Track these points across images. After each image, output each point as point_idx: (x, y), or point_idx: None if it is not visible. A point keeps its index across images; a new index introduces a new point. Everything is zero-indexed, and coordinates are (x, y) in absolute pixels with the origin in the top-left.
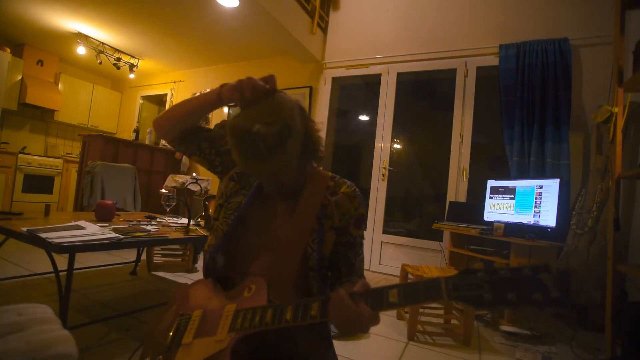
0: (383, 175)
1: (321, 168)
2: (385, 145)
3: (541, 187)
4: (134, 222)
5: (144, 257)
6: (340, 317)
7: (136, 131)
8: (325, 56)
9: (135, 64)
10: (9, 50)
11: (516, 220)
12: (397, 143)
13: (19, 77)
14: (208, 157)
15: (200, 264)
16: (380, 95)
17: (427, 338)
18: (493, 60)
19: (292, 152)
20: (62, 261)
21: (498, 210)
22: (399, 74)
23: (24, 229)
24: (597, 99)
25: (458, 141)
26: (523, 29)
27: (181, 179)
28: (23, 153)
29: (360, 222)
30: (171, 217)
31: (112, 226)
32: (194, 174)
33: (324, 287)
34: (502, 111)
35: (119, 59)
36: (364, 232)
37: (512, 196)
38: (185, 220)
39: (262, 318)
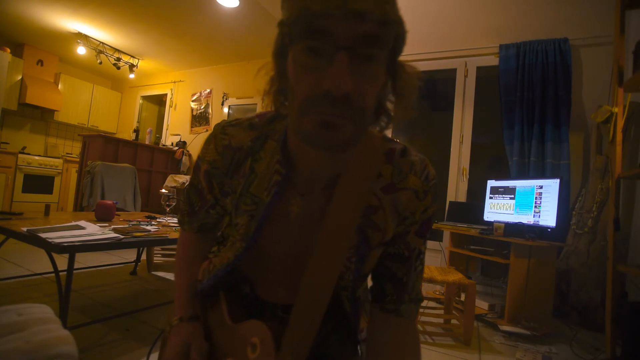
0: None
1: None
2: None
3: (541, 187)
4: (134, 222)
5: (144, 257)
6: None
7: (136, 131)
8: None
9: (135, 64)
10: (9, 50)
11: (516, 220)
12: None
13: (19, 77)
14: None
15: None
16: None
17: (427, 338)
18: (493, 60)
19: (381, 74)
20: (62, 261)
21: (498, 210)
22: None
23: (24, 229)
24: (597, 99)
25: (458, 141)
26: (523, 29)
27: (181, 179)
28: (23, 153)
29: (426, 228)
30: (171, 217)
31: (112, 226)
32: None
33: (359, 308)
34: (502, 111)
35: (119, 59)
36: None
37: (512, 196)
38: None
39: None
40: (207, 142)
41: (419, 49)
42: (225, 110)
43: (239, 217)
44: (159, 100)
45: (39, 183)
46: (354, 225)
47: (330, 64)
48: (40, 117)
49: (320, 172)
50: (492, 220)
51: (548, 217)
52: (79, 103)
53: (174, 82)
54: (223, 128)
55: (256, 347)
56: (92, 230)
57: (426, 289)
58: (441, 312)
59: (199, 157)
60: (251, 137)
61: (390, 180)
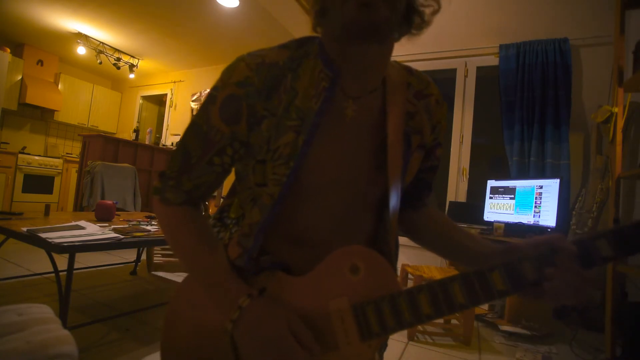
0: None
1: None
2: None
3: (541, 187)
4: (134, 222)
5: (144, 257)
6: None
7: (136, 131)
8: None
9: (135, 64)
10: (9, 50)
11: (516, 220)
12: None
13: (19, 77)
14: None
15: None
16: None
17: (427, 338)
18: (493, 60)
19: None
20: (62, 261)
21: (498, 210)
22: None
23: (24, 229)
24: (597, 99)
25: (458, 141)
26: (523, 29)
27: None
28: (23, 153)
29: (443, 137)
30: None
31: (112, 226)
32: None
33: (397, 243)
34: (502, 111)
35: (119, 59)
36: None
37: (512, 196)
38: None
39: (415, 308)
40: (231, 66)
41: (419, 49)
42: None
43: (282, 138)
44: (159, 100)
45: (39, 183)
46: (402, 129)
47: None
48: (40, 117)
49: (365, 74)
50: (492, 220)
51: (548, 217)
52: (79, 103)
53: (174, 82)
54: (250, 52)
55: (358, 268)
56: (92, 230)
57: None
58: None
59: (214, 87)
60: (286, 55)
61: (418, 89)
